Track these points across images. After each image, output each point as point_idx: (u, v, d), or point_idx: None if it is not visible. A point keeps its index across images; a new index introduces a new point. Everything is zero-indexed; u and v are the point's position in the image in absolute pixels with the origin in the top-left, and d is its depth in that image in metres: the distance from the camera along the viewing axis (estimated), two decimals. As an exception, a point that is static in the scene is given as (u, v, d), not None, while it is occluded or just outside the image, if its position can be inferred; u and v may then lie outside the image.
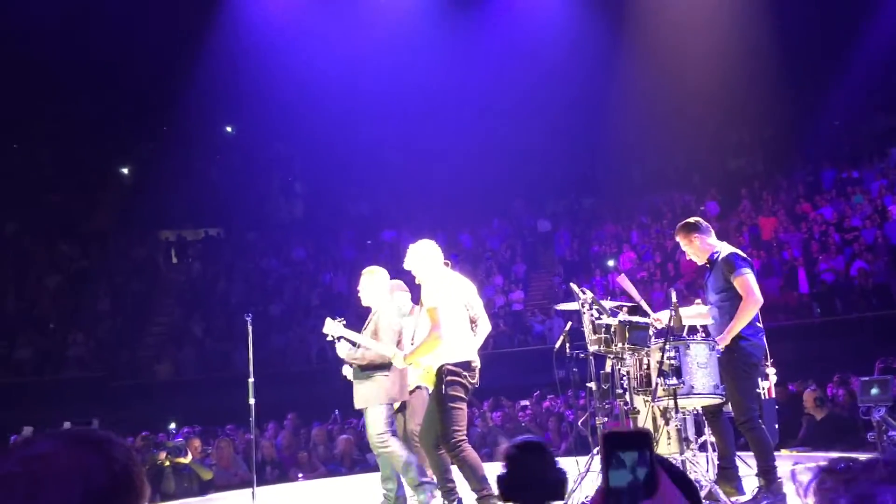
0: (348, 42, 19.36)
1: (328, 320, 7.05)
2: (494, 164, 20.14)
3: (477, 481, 5.73)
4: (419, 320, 6.75)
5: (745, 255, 5.95)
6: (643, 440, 1.23)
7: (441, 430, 5.80)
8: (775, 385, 6.43)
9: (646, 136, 19.46)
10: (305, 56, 19.36)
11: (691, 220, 6.18)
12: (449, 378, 5.79)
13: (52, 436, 1.35)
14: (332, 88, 19.72)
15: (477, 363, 5.97)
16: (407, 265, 6.14)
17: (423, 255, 6.08)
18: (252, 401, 7.21)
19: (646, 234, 19.41)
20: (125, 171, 24.96)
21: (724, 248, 5.94)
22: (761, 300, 5.73)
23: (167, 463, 10.08)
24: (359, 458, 11.72)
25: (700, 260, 6.06)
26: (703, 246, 5.98)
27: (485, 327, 6.25)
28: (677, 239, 6.20)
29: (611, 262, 18.68)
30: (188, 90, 19.47)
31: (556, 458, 3.09)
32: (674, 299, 5.78)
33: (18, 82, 18.72)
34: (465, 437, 5.85)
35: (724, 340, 5.73)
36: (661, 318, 6.08)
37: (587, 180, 22.43)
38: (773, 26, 18.47)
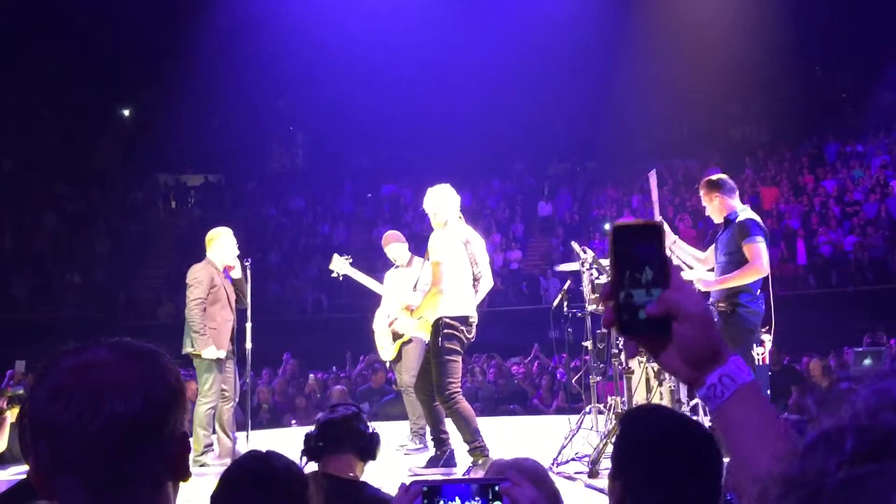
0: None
1: (335, 256, 7.11)
2: (497, 124, 20.03)
3: (469, 433, 5.80)
4: (422, 272, 6.79)
5: (763, 225, 5.90)
6: (653, 231, 1.13)
7: (436, 381, 5.87)
8: (769, 352, 6.46)
9: (650, 103, 19.32)
10: (312, 7, 19.14)
11: (715, 177, 6.12)
12: (446, 331, 5.84)
13: (102, 345, 1.32)
14: (337, 41, 19.54)
15: (474, 318, 6.01)
16: (425, 206, 6.15)
17: (442, 200, 6.07)
18: (249, 345, 7.26)
19: (647, 200, 19.38)
20: (126, 113, 24.79)
21: (745, 213, 5.88)
22: (766, 270, 5.71)
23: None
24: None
25: (717, 218, 6.04)
26: (722, 205, 5.95)
27: (487, 283, 6.27)
28: (700, 192, 6.13)
29: (607, 226, 18.67)
30: (192, 36, 19.28)
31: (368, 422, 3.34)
32: (672, 262, 5.78)
33: (16, 22, 18.51)
34: (459, 389, 5.91)
35: (709, 286, 5.78)
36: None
37: (589, 144, 22.33)
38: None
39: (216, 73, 20.31)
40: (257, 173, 23.42)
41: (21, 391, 8.62)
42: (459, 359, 5.94)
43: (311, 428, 3.39)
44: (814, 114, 19.94)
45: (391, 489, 5.60)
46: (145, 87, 23.18)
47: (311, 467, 3.23)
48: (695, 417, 6.43)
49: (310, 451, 3.25)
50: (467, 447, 5.86)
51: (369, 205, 21.88)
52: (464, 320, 5.91)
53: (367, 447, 3.31)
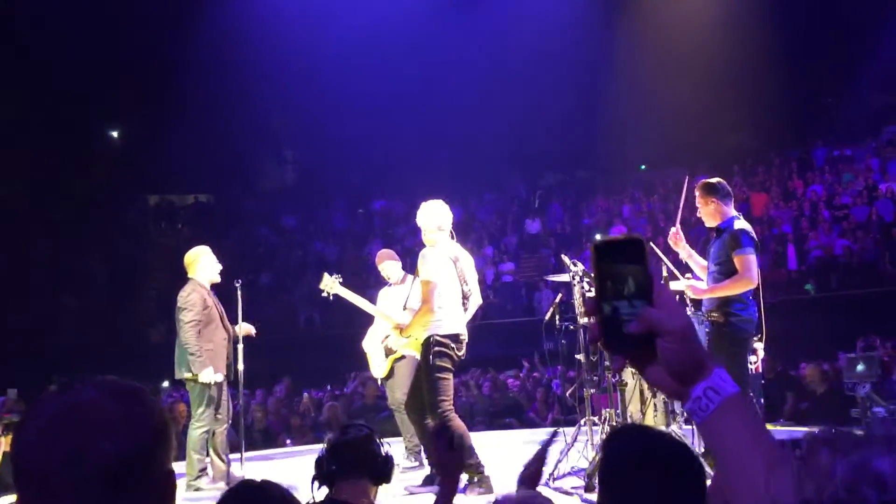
0: (344, 13, 19.18)
1: (325, 276, 7.09)
2: (488, 136, 20.07)
3: (463, 451, 5.78)
4: (412, 290, 6.78)
5: (754, 235, 5.88)
6: (636, 246, 1.13)
7: (428, 400, 5.86)
8: (762, 361, 6.45)
9: (639, 112, 19.39)
10: (302, 25, 19.18)
11: (714, 180, 6.04)
12: (437, 349, 5.83)
13: (86, 384, 1.32)
14: (325, 57, 19.56)
15: (465, 336, 6.01)
16: (418, 220, 6.15)
17: (435, 215, 6.07)
18: (241, 366, 7.21)
19: (637, 209, 19.43)
20: (114, 134, 24.75)
21: (738, 223, 5.86)
22: (755, 282, 5.69)
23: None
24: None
25: (709, 223, 5.97)
26: (717, 210, 5.88)
27: (476, 301, 6.26)
28: (696, 195, 6.05)
29: (598, 236, 18.70)
30: (180, 56, 19.29)
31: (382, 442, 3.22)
32: (664, 273, 5.79)
33: (5, 44, 18.51)
34: (451, 407, 5.90)
35: (699, 294, 5.78)
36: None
37: (579, 155, 22.38)
38: (769, 4, 18.39)
39: (204, 93, 20.32)
40: (247, 191, 23.40)
41: (17, 418, 8.58)
42: (451, 377, 5.92)
43: (321, 449, 3.24)
44: (801, 119, 20.02)
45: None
46: (133, 109, 23.15)
47: (323, 492, 3.11)
48: (688, 427, 6.43)
49: (322, 476, 3.10)
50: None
51: (360, 220, 21.87)
52: (454, 338, 5.90)
53: (382, 471, 3.16)
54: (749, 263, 5.62)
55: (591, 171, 21.83)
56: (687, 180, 6.50)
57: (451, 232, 6.17)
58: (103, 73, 20.00)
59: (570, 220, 20.04)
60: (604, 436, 5.98)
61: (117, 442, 1.25)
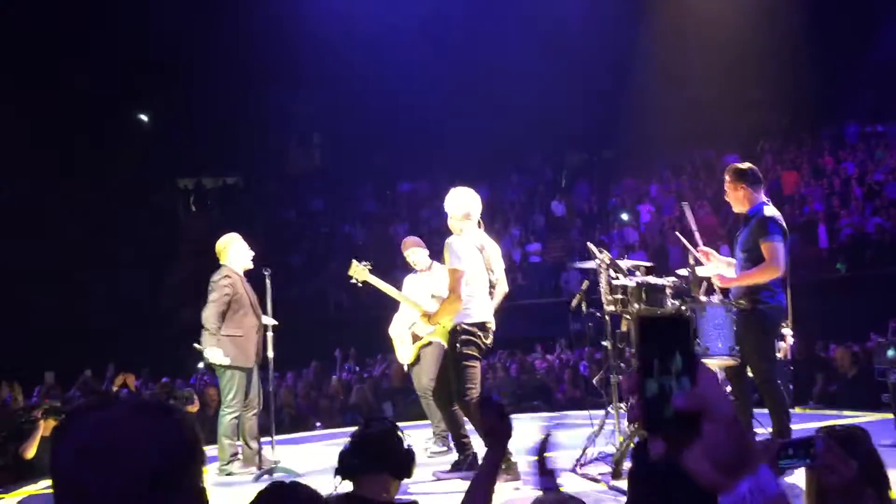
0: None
1: (354, 263, 7.10)
2: (514, 116, 19.96)
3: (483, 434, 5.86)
4: (439, 277, 6.82)
5: (782, 222, 5.82)
6: (681, 326, 1.12)
7: (455, 388, 5.89)
8: (790, 346, 6.40)
9: (666, 91, 19.18)
10: (328, 7, 19.17)
11: (744, 165, 5.98)
12: (464, 337, 5.85)
13: (115, 404, 1.37)
14: (353, 39, 19.54)
15: (492, 324, 6.03)
16: (446, 206, 6.14)
17: (463, 202, 6.07)
18: (271, 354, 7.26)
19: (665, 188, 19.29)
20: (143, 118, 24.94)
21: (767, 210, 5.80)
22: (781, 270, 5.63)
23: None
24: (375, 407, 11.86)
25: (738, 208, 5.93)
26: (746, 196, 5.82)
27: (502, 289, 6.27)
28: (725, 180, 5.98)
29: (625, 216, 18.62)
30: (211, 39, 19.36)
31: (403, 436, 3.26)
32: (691, 261, 5.77)
33: (39, 28, 18.68)
34: (478, 395, 5.93)
35: (725, 282, 5.76)
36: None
37: (608, 133, 22.21)
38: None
39: (233, 76, 20.42)
40: (275, 174, 23.50)
41: (58, 403, 8.80)
42: (478, 365, 5.95)
43: (345, 441, 3.31)
44: (832, 96, 19.70)
45: (415, 494, 5.62)
46: (163, 92, 23.29)
47: (346, 486, 3.20)
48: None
49: (344, 470, 3.17)
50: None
51: (388, 202, 21.92)
52: (481, 326, 5.92)
53: (404, 465, 3.22)
54: (775, 251, 5.57)
55: (617, 151, 21.67)
56: (687, 207, 6.43)
57: (480, 220, 6.18)
58: (133, 57, 20.15)
59: (598, 201, 19.95)
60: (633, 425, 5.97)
61: (150, 460, 1.30)
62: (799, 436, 3.02)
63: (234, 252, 7.25)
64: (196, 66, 20.43)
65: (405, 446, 3.24)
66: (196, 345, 7.03)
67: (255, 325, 7.14)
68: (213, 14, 19.39)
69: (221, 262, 7.24)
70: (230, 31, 19.27)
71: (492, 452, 3.05)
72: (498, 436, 3.05)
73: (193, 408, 9.75)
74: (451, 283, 5.89)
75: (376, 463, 3.16)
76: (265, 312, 7.26)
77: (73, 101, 20.53)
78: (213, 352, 6.91)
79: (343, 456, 3.20)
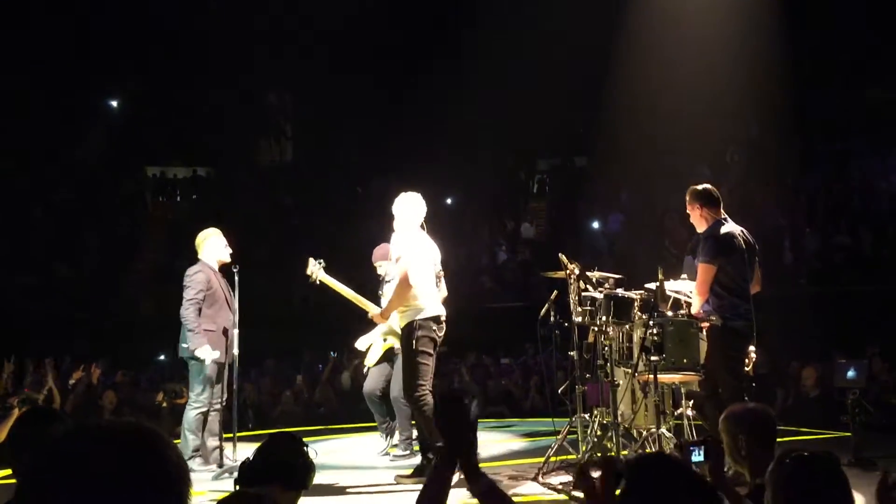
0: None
1: (310, 260, 7.15)
2: (486, 120, 19.93)
3: (430, 433, 5.94)
4: (389, 269, 7.05)
5: (729, 241, 5.88)
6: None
7: (405, 381, 6.04)
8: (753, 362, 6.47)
9: (641, 99, 19.28)
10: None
11: (701, 187, 6.17)
12: (420, 333, 6.01)
13: (89, 433, 1.28)
14: (325, 33, 19.43)
15: (444, 316, 6.21)
16: (394, 209, 6.39)
17: (410, 207, 6.31)
18: (236, 351, 7.23)
19: (636, 197, 19.40)
20: (113, 104, 24.59)
21: (719, 228, 5.90)
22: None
23: (164, 404, 10.22)
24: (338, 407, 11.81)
25: (698, 227, 6.14)
26: (702, 215, 6.04)
27: (443, 287, 6.58)
28: (686, 199, 6.17)
29: (595, 224, 18.75)
30: (182, 26, 19.16)
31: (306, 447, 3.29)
32: (660, 275, 5.82)
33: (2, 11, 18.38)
34: (427, 391, 6.02)
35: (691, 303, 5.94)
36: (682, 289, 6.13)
37: (580, 140, 22.30)
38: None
39: (205, 66, 20.20)
40: (245, 166, 23.30)
41: (36, 395, 8.73)
42: (431, 361, 6.08)
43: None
44: (801, 112, 19.93)
45: (379, 497, 5.59)
46: (133, 80, 23.01)
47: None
48: (681, 423, 6.46)
49: (243, 480, 3.20)
50: (419, 444, 6.30)
51: (358, 199, 21.82)
52: (436, 320, 6.12)
53: (298, 478, 3.23)
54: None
55: (589, 157, 21.75)
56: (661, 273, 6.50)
57: (423, 223, 6.37)
58: (102, 44, 19.89)
59: (568, 208, 20.01)
60: (595, 433, 6.01)
61: (130, 496, 1.22)
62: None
63: (211, 247, 7.34)
64: (168, 54, 20.20)
65: (303, 459, 3.25)
66: (187, 355, 7.03)
67: (230, 319, 7.17)
68: (186, 1, 19.23)
69: (198, 257, 7.30)
70: (204, 19, 19.08)
71: (445, 462, 2.48)
72: (456, 439, 2.46)
73: (182, 400, 9.68)
74: (400, 271, 6.08)
75: (269, 474, 3.18)
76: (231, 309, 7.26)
77: (41, 88, 20.19)
78: (204, 350, 6.92)
79: (242, 467, 3.26)
